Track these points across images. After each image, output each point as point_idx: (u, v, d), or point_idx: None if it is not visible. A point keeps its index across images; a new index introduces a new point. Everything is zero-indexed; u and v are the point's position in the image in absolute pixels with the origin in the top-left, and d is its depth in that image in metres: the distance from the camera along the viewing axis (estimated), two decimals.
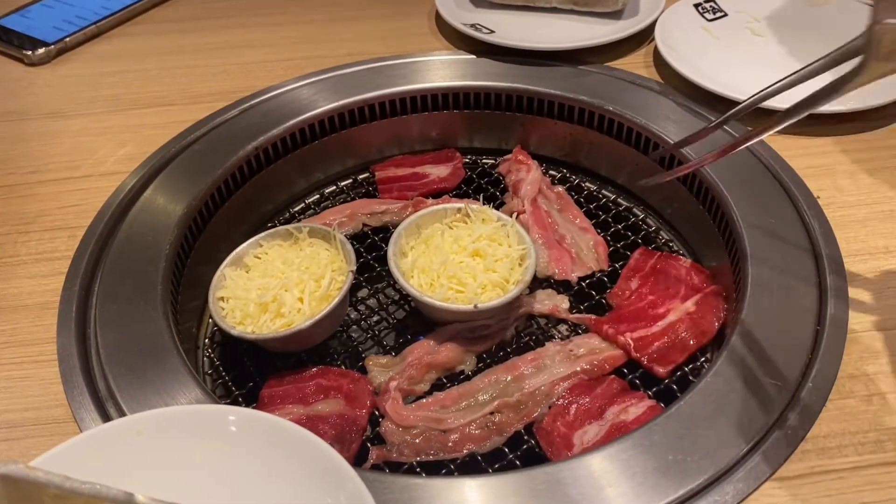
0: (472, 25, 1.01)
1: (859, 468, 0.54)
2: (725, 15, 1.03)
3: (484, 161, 0.99)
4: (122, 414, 0.60)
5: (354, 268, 0.73)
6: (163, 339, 0.66)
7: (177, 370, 0.63)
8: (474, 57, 0.99)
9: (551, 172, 0.96)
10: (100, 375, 0.64)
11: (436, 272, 0.73)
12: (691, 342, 0.71)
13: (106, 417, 0.60)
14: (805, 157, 0.80)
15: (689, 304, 0.74)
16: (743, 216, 0.73)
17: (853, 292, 0.66)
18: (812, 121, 0.83)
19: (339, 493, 0.47)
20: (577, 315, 0.76)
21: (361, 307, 0.81)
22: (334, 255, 0.75)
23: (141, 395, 0.61)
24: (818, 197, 0.75)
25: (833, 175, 0.78)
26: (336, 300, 0.70)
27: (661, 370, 0.69)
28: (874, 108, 0.83)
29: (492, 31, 1.00)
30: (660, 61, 0.94)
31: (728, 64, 0.93)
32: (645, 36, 0.99)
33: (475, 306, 0.69)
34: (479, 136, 0.99)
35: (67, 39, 1.06)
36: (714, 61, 0.93)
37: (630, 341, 0.71)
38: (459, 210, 0.79)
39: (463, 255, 0.74)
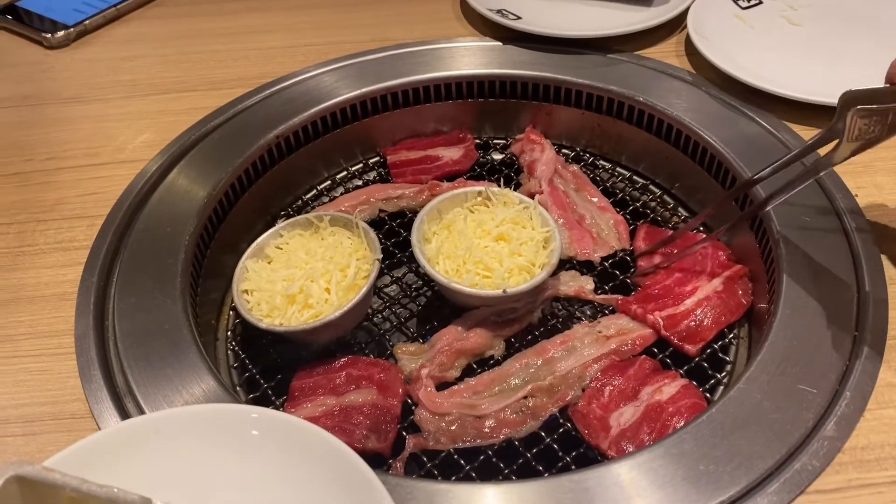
0: (499, 11, 0.98)
1: None
2: (760, 3, 0.99)
3: (495, 141, 0.97)
4: (140, 410, 0.59)
5: (380, 256, 0.71)
6: (182, 333, 0.65)
7: (196, 365, 0.62)
8: (500, 44, 0.96)
9: (564, 151, 0.94)
10: (118, 370, 0.63)
11: (461, 258, 0.72)
12: (721, 319, 0.71)
13: (124, 413, 0.59)
14: None
15: (717, 283, 0.74)
16: (779, 216, 0.70)
17: (893, 296, 0.63)
18: None
19: (362, 500, 0.46)
20: (602, 296, 0.76)
21: (384, 294, 0.79)
22: (357, 243, 0.74)
23: (159, 391, 0.60)
24: (856, 195, 0.72)
25: (872, 172, 0.75)
26: (364, 289, 0.69)
27: (691, 348, 0.69)
28: None
29: (518, 18, 0.97)
30: (692, 50, 0.91)
31: (763, 54, 0.90)
32: (677, 24, 0.96)
33: (504, 291, 0.68)
34: (503, 124, 0.96)
35: (87, 22, 1.04)
36: (748, 51, 0.90)
37: (660, 320, 0.71)
38: (480, 193, 0.77)
39: (487, 240, 0.73)
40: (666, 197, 0.88)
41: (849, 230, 0.69)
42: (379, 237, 0.76)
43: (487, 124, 0.97)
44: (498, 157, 0.95)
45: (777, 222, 0.70)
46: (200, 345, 0.65)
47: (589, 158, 0.94)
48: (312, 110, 0.88)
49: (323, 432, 0.48)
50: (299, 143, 0.88)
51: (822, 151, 0.63)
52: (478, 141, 0.96)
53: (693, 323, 0.71)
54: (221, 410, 0.52)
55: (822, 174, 0.64)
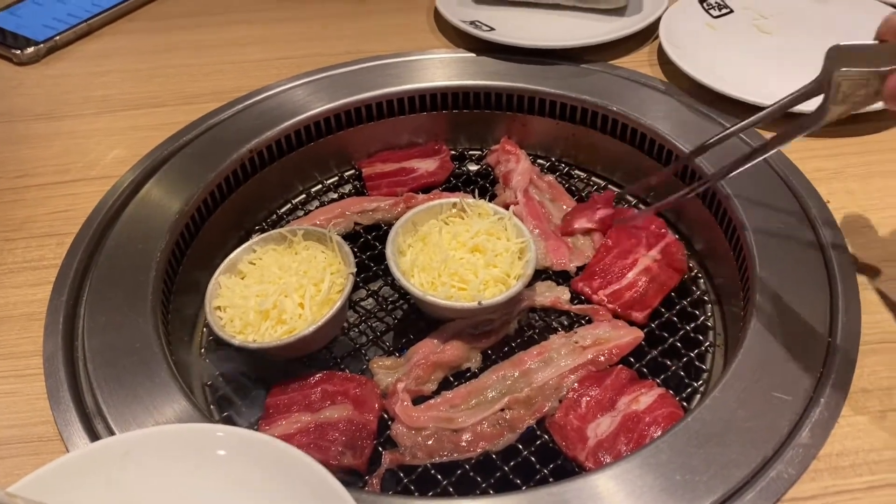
0: (472, 22, 0.98)
1: (874, 488, 0.52)
2: (731, 11, 1.00)
3: (471, 152, 0.97)
4: (110, 431, 0.58)
5: (354, 269, 0.71)
6: (153, 351, 0.64)
7: (167, 385, 0.61)
8: (474, 55, 0.96)
9: (539, 161, 0.94)
10: (87, 390, 0.62)
11: (436, 270, 0.71)
12: (663, 288, 0.76)
13: (93, 435, 0.58)
14: (814, 159, 0.78)
15: (655, 252, 0.78)
16: (751, 221, 0.71)
17: (866, 302, 0.64)
18: None
19: None
20: (578, 306, 0.76)
21: (359, 308, 0.79)
22: (331, 257, 0.73)
23: (129, 412, 0.59)
24: (828, 202, 0.73)
25: (844, 178, 0.76)
26: (338, 303, 0.69)
27: (638, 315, 0.73)
28: (882, 109, 0.80)
29: (491, 29, 0.97)
30: (664, 59, 0.92)
31: (735, 62, 0.91)
32: (649, 33, 0.97)
33: (480, 303, 0.68)
34: (478, 135, 0.96)
35: (57, 38, 1.03)
36: (720, 59, 0.91)
37: (604, 298, 0.75)
38: (455, 205, 0.77)
39: (463, 252, 0.73)
40: (641, 206, 0.88)
41: (821, 237, 0.69)
42: (354, 250, 0.76)
43: (463, 135, 0.97)
44: (474, 168, 0.95)
45: (750, 228, 0.70)
46: (172, 363, 0.64)
47: (564, 168, 0.94)
48: (286, 124, 0.88)
49: (291, 449, 0.47)
50: (273, 158, 0.88)
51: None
52: (453, 152, 0.96)
53: (637, 293, 0.75)
54: (186, 431, 0.51)
55: (785, 144, 0.63)
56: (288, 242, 0.75)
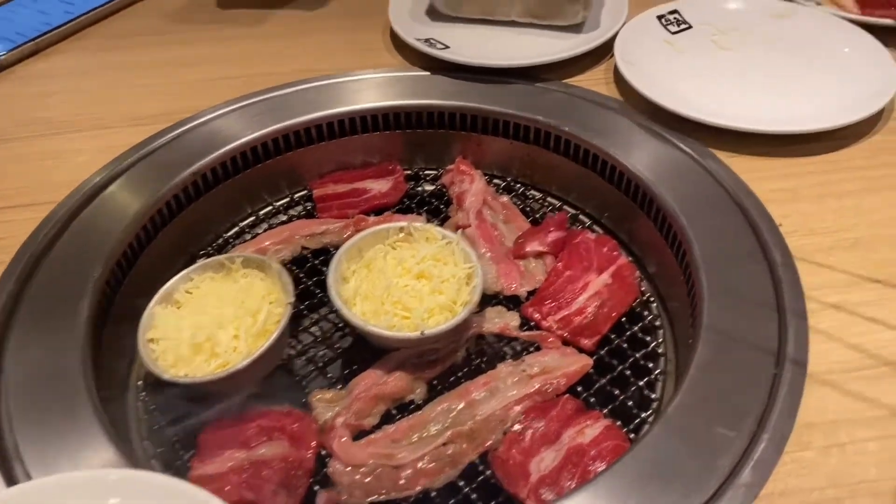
0: (427, 40, 0.96)
1: None
2: (690, 27, 0.99)
3: (427, 172, 0.94)
4: (28, 477, 0.56)
5: (293, 299, 0.69)
6: (78, 389, 0.61)
7: (90, 425, 0.59)
8: (429, 73, 0.95)
9: (495, 181, 0.92)
10: (8, 431, 0.59)
11: (380, 298, 0.69)
12: (613, 314, 0.74)
13: (11, 480, 0.56)
14: (768, 179, 0.76)
15: (606, 276, 0.76)
16: (701, 247, 0.69)
17: (814, 332, 0.62)
18: (775, 141, 0.80)
19: None
20: (527, 332, 0.74)
21: (304, 336, 0.76)
22: (270, 285, 0.71)
23: (50, 454, 0.57)
24: (780, 224, 0.71)
25: (797, 200, 0.74)
26: (273, 336, 0.66)
27: (587, 342, 0.71)
28: (839, 128, 0.79)
29: (446, 47, 0.96)
30: (620, 77, 0.90)
31: (692, 80, 0.89)
32: (606, 50, 0.95)
33: (422, 333, 0.66)
34: (434, 155, 0.94)
35: (3, 57, 1.01)
36: (677, 77, 0.90)
37: (554, 324, 0.73)
38: (402, 229, 0.75)
39: (407, 278, 0.71)
40: (596, 227, 0.86)
41: (772, 261, 0.67)
42: (300, 276, 0.74)
43: (419, 155, 0.95)
44: (430, 188, 0.93)
45: (699, 251, 0.69)
46: (98, 401, 0.61)
47: (520, 188, 0.92)
48: (232, 145, 0.86)
49: (194, 490, 0.45)
50: (218, 180, 0.85)
51: None
52: (409, 172, 0.94)
53: (587, 319, 0.73)
54: (72, 481, 0.47)
55: None
56: (227, 270, 0.72)
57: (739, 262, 0.68)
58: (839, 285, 0.66)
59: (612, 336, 0.73)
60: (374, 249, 0.75)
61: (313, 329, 0.77)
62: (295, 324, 0.76)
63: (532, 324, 0.75)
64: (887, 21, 0.95)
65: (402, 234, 0.75)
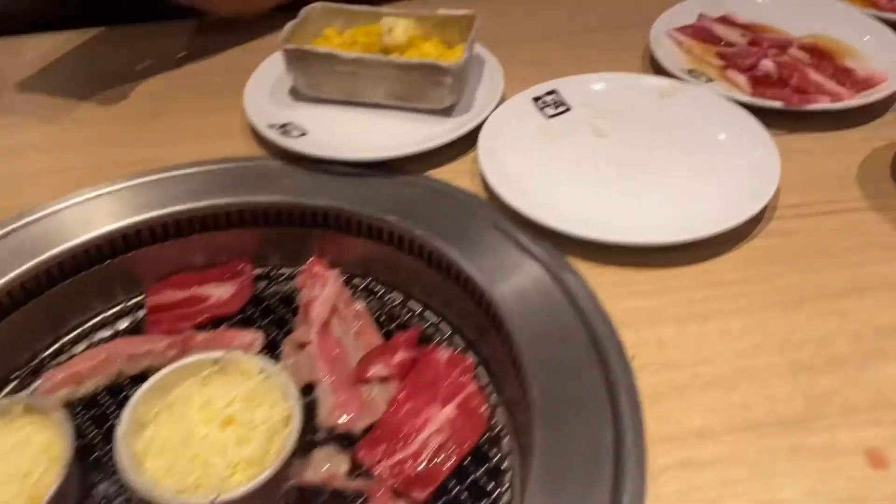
0: (283, 126, 0.88)
1: None
2: (568, 109, 0.91)
3: (282, 272, 0.86)
4: None
5: (70, 455, 0.59)
6: None
7: None
8: (283, 164, 0.86)
9: (355, 281, 0.84)
10: None
11: (174, 452, 0.60)
12: (454, 456, 0.65)
13: None
14: (629, 296, 0.69)
15: (450, 409, 0.68)
16: (541, 391, 0.61)
17: (652, 496, 0.54)
18: (640, 252, 0.73)
19: None
20: (355, 483, 0.64)
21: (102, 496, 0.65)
22: (52, 438, 0.62)
23: None
24: (633, 356, 0.63)
25: (657, 322, 0.67)
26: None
27: (419, 495, 0.63)
28: (712, 237, 0.72)
29: (304, 133, 0.88)
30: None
31: (557, 177, 0.82)
32: (475, 137, 0.87)
33: (213, 501, 0.57)
34: (292, 253, 0.86)
35: None
36: (542, 173, 0.82)
37: (386, 470, 0.64)
38: (216, 361, 0.67)
39: (212, 426, 0.62)
40: (457, 337, 0.78)
41: (617, 409, 0.59)
42: (107, 415, 0.65)
43: (276, 253, 0.86)
44: (283, 289, 0.85)
45: (538, 395, 0.61)
46: None
47: (381, 291, 0.84)
48: (56, 250, 0.77)
49: None
50: (39, 290, 0.76)
51: None
52: (260, 272, 0.86)
53: (421, 465, 0.64)
54: None
55: None
56: (7, 418, 0.63)
57: (580, 411, 0.59)
58: (688, 437, 0.58)
59: (451, 485, 0.64)
60: (185, 385, 0.66)
61: (111, 490, 0.65)
62: (89, 480, 0.65)
63: (365, 468, 0.66)
64: (776, 104, 0.89)
65: (217, 367, 0.67)
